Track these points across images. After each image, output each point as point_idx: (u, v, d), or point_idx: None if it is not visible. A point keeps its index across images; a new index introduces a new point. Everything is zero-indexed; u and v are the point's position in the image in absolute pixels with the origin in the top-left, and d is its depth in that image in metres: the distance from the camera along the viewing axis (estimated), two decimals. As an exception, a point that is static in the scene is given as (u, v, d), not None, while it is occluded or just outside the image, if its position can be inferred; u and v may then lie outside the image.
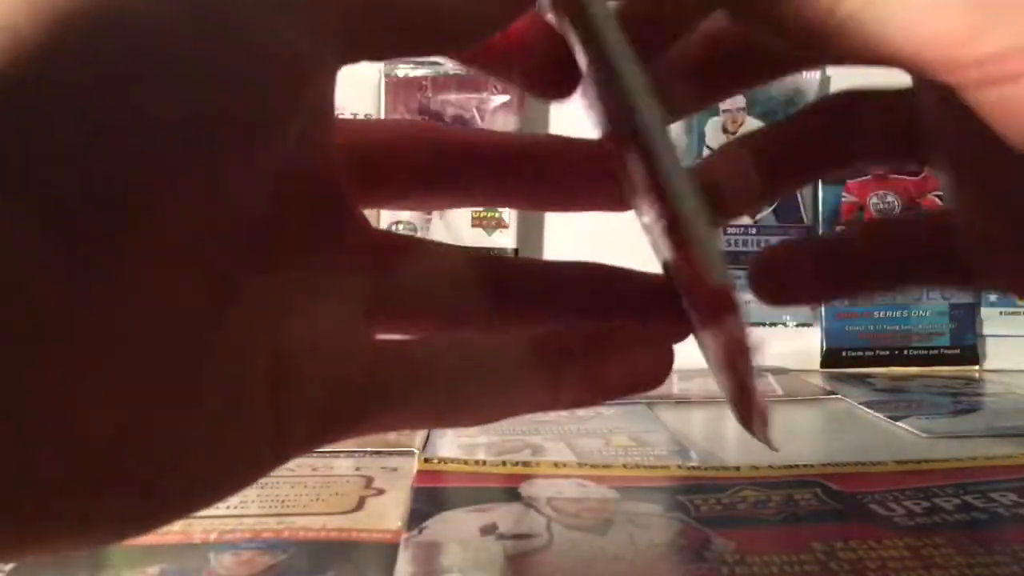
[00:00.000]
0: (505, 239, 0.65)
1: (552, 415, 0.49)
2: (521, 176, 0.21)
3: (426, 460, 0.38)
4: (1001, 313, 0.66)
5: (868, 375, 0.63)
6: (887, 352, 0.65)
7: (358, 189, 0.19)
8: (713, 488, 0.34)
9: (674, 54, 0.21)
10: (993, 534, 0.30)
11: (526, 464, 0.38)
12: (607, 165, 0.22)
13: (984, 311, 0.66)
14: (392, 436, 0.43)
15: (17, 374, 0.12)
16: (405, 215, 0.65)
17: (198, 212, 0.13)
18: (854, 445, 0.45)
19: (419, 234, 0.66)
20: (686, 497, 0.33)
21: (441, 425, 0.21)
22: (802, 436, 0.50)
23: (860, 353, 0.65)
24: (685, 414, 0.51)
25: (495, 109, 0.66)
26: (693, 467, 0.38)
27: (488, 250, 0.64)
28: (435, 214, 0.66)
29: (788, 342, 0.65)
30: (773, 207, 0.66)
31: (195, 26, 0.13)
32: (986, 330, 0.66)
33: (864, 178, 0.66)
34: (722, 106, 0.67)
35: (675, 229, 0.19)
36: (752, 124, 0.66)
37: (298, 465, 0.39)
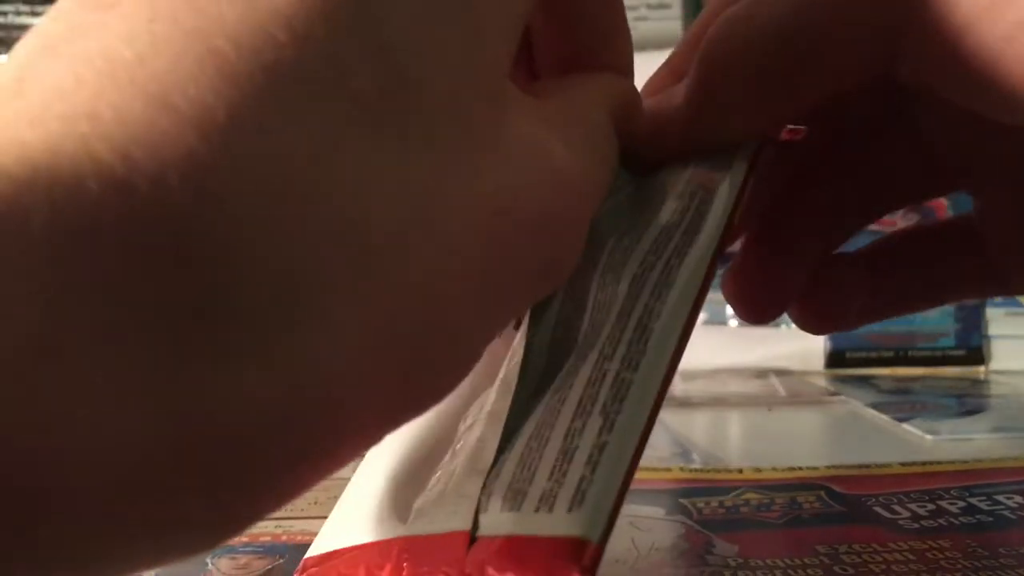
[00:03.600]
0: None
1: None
2: None
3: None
4: (1007, 314, 0.65)
5: (873, 376, 0.63)
6: (892, 353, 0.65)
7: None
8: (715, 491, 0.34)
9: None
10: (999, 537, 0.30)
11: (527, 466, 0.37)
12: None
13: (990, 312, 0.65)
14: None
15: None
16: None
17: None
18: (858, 447, 0.45)
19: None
20: (688, 500, 0.33)
21: None
22: (806, 438, 0.50)
23: (864, 354, 0.65)
24: (687, 416, 0.50)
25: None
26: (695, 469, 0.38)
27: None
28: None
29: (792, 343, 0.65)
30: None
31: None
32: (992, 331, 0.65)
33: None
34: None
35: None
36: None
37: (297, 468, 0.38)
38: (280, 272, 0.11)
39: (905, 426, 0.47)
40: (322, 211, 0.11)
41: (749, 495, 0.34)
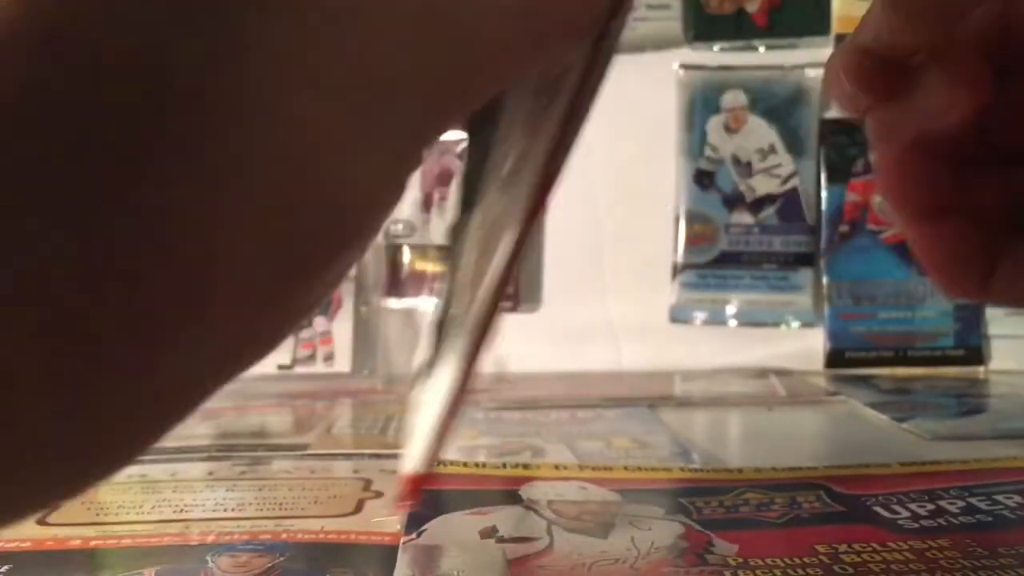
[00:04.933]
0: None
1: (552, 417, 0.49)
2: None
3: (425, 462, 0.38)
4: (1007, 314, 0.65)
5: (872, 376, 0.63)
6: (891, 353, 0.65)
7: None
8: (715, 491, 0.34)
9: None
10: (998, 536, 0.30)
11: (526, 467, 0.37)
12: None
13: (990, 312, 0.65)
14: (390, 438, 0.42)
15: None
16: (404, 213, 0.65)
17: None
18: (858, 447, 0.45)
19: (417, 232, 0.66)
20: (688, 499, 0.33)
21: None
22: (806, 438, 0.50)
23: (864, 354, 0.65)
24: (687, 416, 0.50)
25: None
26: (695, 469, 0.38)
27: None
28: (434, 211, 0.66)
29: (792, 343, 0.65)
30: (777, 208, 0.66)
31: None
32: (991, 331, 0.65)
33: (868, 177, 0.66)
34: (723, 104, 0.66)
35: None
36: (755, 122, 0.66)
37: (296, 467, 0.38)
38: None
39: (905, 426, 0.47)
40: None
41: (749, 495, 0.34)
